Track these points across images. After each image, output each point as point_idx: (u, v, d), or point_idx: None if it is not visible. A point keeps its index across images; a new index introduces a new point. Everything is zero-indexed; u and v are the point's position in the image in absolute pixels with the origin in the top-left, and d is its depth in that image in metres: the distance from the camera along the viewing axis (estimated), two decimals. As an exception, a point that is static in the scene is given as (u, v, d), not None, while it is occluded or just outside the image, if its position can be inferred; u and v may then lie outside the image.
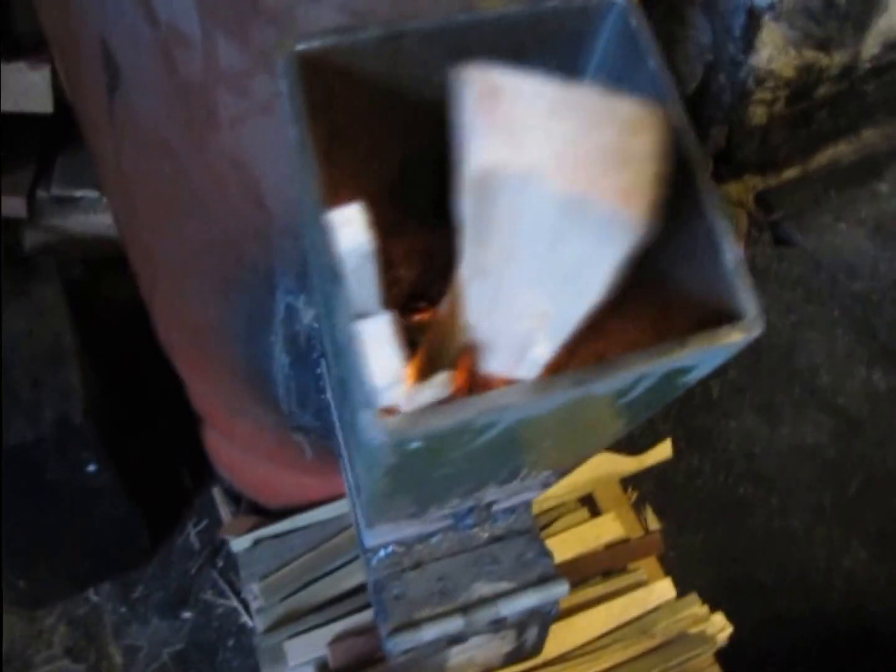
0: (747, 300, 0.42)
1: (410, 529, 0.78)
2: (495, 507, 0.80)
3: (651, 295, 0.48)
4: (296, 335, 1.02)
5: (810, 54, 1.89)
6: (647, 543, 1.32)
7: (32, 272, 1.25)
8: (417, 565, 0.83)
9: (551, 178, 0.29)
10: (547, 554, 0.83)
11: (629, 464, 1.43)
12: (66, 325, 1.18)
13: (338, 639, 1.16)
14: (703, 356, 0.41)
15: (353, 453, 0.52)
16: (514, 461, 0.58)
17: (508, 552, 0.84)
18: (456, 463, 0.45)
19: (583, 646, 1.11)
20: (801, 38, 1.85)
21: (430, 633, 0.78)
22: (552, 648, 1.09)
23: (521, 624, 0.88)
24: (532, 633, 0.92)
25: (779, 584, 1.47)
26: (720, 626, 1.18)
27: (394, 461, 0.40)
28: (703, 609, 1.19)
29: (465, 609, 0.79)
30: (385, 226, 0.41)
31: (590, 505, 1.36)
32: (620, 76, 0.43)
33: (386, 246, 0.41)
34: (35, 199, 1.37)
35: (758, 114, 1.99)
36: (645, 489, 1.52)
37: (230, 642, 1.36)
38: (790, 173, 2.16)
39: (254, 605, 1.25)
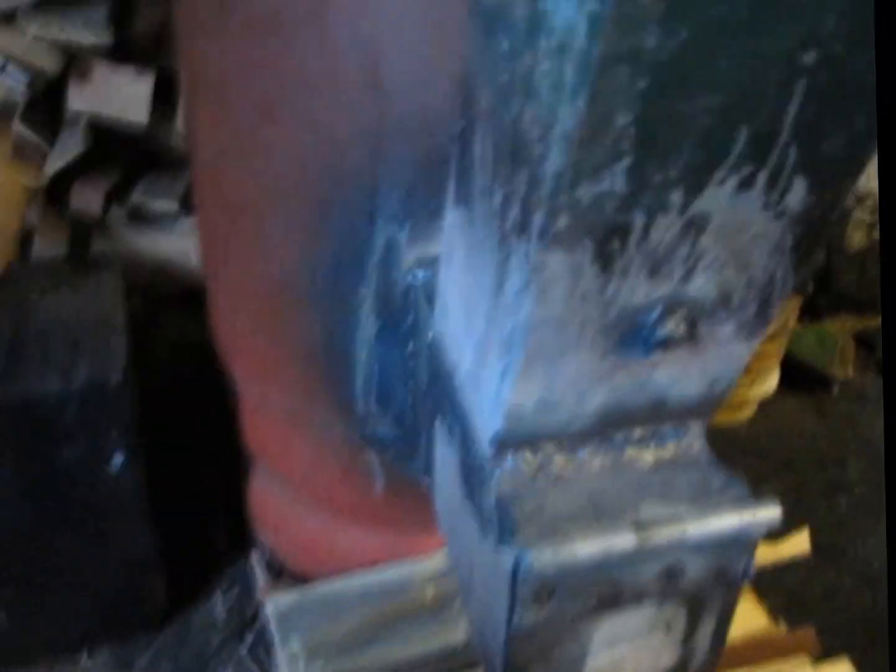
0: None
1: (560, 408, 0.56)
2: (671, 411, 0.58)
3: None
4: (391, 287, 0.86)
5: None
6: (800, 639, 1.03)
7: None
8: (558, 480, 0.60)
9: None
10: (739, 480, 0.60)
11: (763, 551, 1.17)
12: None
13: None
14: None
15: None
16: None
17: (684, 477, 0.61)
18: None
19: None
20: None
21: (587, 548, 0.54)
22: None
23: (697, 599, 0.62)
24: (706, 632, 0.65)
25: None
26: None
27: None
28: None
29: (636, 524, 0.55)
30: None
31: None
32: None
33: None
34: (111, 203, 1.27)
35: (857, 238, 1.90)
36: (775, 604, 1.23)
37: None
38: (890, 318, 2.05)
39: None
